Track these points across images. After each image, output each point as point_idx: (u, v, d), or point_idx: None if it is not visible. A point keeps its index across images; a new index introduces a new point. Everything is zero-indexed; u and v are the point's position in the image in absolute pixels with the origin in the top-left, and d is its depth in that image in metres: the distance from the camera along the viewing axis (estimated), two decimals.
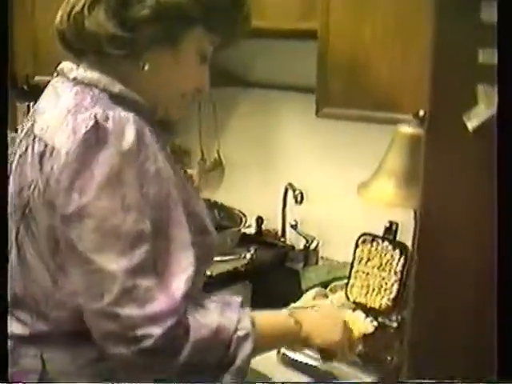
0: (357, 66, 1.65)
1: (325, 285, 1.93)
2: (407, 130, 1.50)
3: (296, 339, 1.25)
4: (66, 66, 1.21)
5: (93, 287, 1.03)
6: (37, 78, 2.64)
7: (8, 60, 1.35)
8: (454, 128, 0.77)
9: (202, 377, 1.08)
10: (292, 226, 2.25)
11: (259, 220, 2.35)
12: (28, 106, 3.32)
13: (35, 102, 3.44)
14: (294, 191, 2.19)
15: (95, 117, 1.05)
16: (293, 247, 2.27)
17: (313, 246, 2.20)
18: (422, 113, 1.38)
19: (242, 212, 2.33)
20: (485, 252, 0.79)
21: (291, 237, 2.30)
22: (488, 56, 0.73)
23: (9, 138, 3.55)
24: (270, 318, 1.24)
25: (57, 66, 1.23)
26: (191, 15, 1.16)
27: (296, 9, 1.76)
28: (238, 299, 1.17)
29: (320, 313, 1.37)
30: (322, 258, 2.21)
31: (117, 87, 1.15)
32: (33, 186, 1.10)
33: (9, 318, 1.21)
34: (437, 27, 0.79)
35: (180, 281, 1.04)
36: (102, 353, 1.11)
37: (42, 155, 1.10)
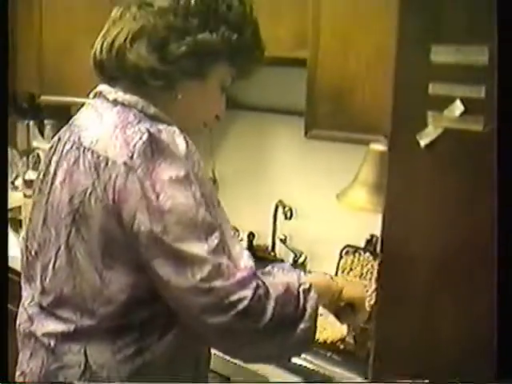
0: (343, 91, 1.76)
1: None
2: (377, 147, 1.69)
3: (335, 293, 1.40)
4: (105, 89, 1.31)
5: (183, 271, 1.15)
6: (43, 98, 2.67)
7: (8, 76, 1.43)
8: (409, 145, 0.93)
9: (283, 330, 1.22)
10: (281, 241, 2.33)
11: (251, 235, 2.43)
12: (27, 124, 3.28)
13: (34, 120, 3.42)
14: (283, 208, 2.27)
15: (148, 130, 1.18)
16: (282, 261, 2.32)
17: (301, 260, 2.29)
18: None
19: (234, 227, 2.40)
20: (447, 245, 0.93)
21: (281, 251, 2.38)
22: (436, 89, 0.89)
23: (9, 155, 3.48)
24: (314, 276, 1.41)
25: (93, 89, 1.33)
26: (219, 52, 1.29)
27: (289, 39, 1.88)
28: (288, 263, 1.37)
29: None
30: (309, 271, 2.25)
31: (152, 109, 1.26)
32: (88, 192, 1.20)
33: (47, 317, 1.30)
34: (397, 65, 0.96)
35: (245, 259, 1.20)
36: (137, 349, 1.24)
37: (96, 165, 1.20)
